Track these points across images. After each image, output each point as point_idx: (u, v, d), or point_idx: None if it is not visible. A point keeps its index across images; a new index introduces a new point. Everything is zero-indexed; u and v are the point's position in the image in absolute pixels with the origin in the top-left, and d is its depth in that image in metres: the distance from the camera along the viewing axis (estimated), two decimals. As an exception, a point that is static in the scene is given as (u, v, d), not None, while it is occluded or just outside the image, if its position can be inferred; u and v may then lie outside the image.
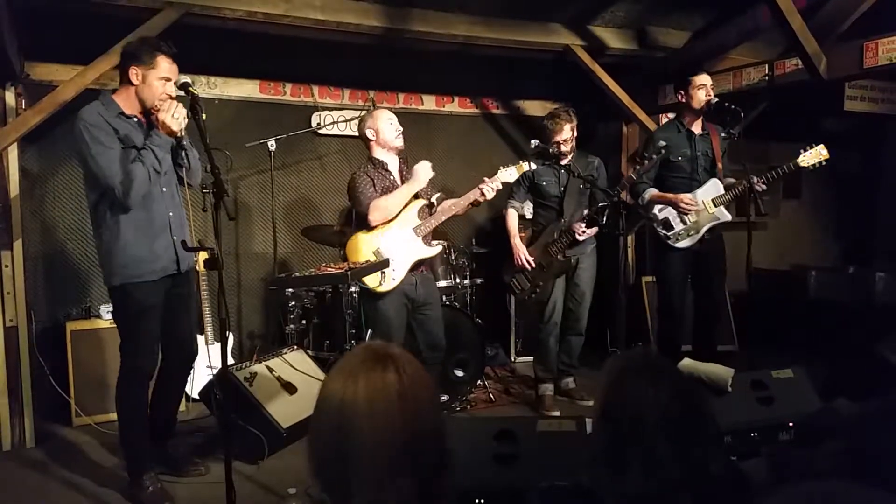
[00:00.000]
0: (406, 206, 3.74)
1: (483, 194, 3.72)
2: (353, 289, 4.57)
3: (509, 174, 3.82)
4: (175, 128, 2.94)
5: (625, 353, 1.53)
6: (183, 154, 3.11)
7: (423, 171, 3.68)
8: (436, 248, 3.86)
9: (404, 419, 1.17)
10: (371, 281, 3.63)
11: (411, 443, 1.17)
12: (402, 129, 3.77)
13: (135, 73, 3.01)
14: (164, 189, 3.14)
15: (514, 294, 4.53)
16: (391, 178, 3.77)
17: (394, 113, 3.80)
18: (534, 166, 4.03)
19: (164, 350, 3.32)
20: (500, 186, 3.77)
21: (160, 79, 3.00)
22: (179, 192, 3.26)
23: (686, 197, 4.12)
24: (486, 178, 3.80)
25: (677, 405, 1.29)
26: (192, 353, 3.47)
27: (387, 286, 3.65)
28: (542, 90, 6.16)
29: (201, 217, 4.85)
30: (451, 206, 3.79)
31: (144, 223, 3.07)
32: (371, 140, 3.76)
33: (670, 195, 4.16)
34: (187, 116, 2.92)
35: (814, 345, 4.53)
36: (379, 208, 3.63)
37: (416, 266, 3.76)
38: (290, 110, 5.31)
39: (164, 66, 3.00)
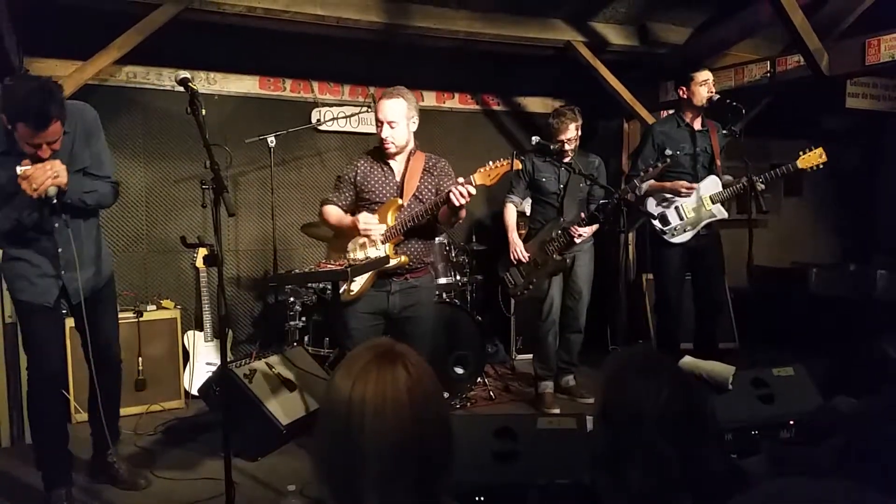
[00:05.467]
0: (383, 205, 3.32)
1: (450, 200, 3.05)
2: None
3: (488, 176, 3.15)
4: (33, 195, 2.66)
5: (624, 351, 1.52)
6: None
7: (363, 221, 3.23)
8: (397, 259, 3.26)
9: (413, 415, 1.17)
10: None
11: (420, 439, 1.17)
12: (392, 129, 3.25)
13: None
14: None
15: (507, 289, 4.50)
16: (391, 174, 3.35)
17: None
18: (518, 165, 3.26)
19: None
20: (474, 191, 3.07)
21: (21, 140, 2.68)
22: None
23: (684, 182, 4.11)
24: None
25: (677, 403, 1.28)
26: None
27: (347, 296, 3.29)
28: (543, 87, 6.15)
29: (201, 213, 4.88)
30: (418, 213, 3.25)
31: None
32: None
33: (668, 183, 4.16)
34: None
35: (815, 342, 4.51)
36: (323, 212, 3.39)
37: (384, 273, 3.27)
38: (289, 106, 5.29)
39: (22, 131, 2.63)
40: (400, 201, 3.31)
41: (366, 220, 3.24)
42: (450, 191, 3.06)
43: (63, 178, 2.68)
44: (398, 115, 3.25)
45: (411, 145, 3.38)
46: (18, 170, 2.64)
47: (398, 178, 3.37)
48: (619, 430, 1.29)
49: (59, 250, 2.90)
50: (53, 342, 3.04)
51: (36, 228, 2.86)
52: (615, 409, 1.31)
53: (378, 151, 3.39)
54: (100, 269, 3.10)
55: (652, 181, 4.19)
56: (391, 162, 3.37)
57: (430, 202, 3.24)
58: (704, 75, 4.15)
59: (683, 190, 4.11)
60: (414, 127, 3.35)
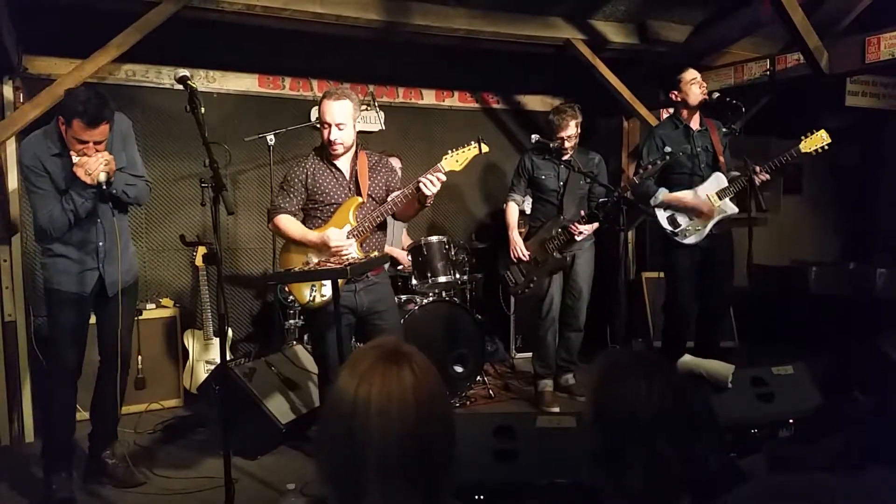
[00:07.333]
0: (341, 206, 3.31)
1: (419, 189, 3.12)
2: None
3: (455, 161, 3.21)
4: (87, 181, 2.92)
5: (615, 351, 1.52)
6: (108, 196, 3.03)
7: (333, 239, 3.20)
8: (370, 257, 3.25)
9: (418, 416, 1.17)
10: (302, 296, 3.28)
11: (424, 439, 1.17)
12: (341, 131, 3.23)
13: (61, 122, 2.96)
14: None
15: (507, 287, 4.49)
16: (340, 175, 3.34)
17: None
18: (486, 148, 3.27)
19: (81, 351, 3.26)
20: (444, 178, 3.13)
21: (73, 138, 2.92)
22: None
23: (705, 206, 4.07)
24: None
25: (670, 402, 1.27)
26: None
27: (319, 301, 3.23)
28: (543, 85, 6.14)
29: (200, 211, 4.88)
30: (386, 209, 3.28)
31: None
32: None
33: (689, 200, 4.11)
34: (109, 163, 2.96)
35: (814, 341, 4.51)
36: (280, 226, 3.31)
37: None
38: (289, 104, 5.29)
39: (77, 128, 2.88)
40: (360, 199, 3.30)
41: (336, 239, 3.19)
42: (419, 179, 3.10)
43: (112, 166, 2.97)
44: (345, 117, 3.22)
45: (355, 145, 3.37)
46: (74, 158, 2.93)
47: (348, 178, 3.36)
48: (612, 431, 1.28)
49: (101, 243, 3.12)
50: (79, 337, 3.16)
51: (81, 223, 3.06)
52: (608, 410, 1.30)
53: (323, 152, 3.36)
54: (131, 267, 3.27)
55: (666, 192, 4.17)
56: (337, 162, 3.35)
57: (401, 195, 3.23)
58: (691, 74, 4.14)
59: (704, 213, 4.07)
60: (357, 126, 3.34)
